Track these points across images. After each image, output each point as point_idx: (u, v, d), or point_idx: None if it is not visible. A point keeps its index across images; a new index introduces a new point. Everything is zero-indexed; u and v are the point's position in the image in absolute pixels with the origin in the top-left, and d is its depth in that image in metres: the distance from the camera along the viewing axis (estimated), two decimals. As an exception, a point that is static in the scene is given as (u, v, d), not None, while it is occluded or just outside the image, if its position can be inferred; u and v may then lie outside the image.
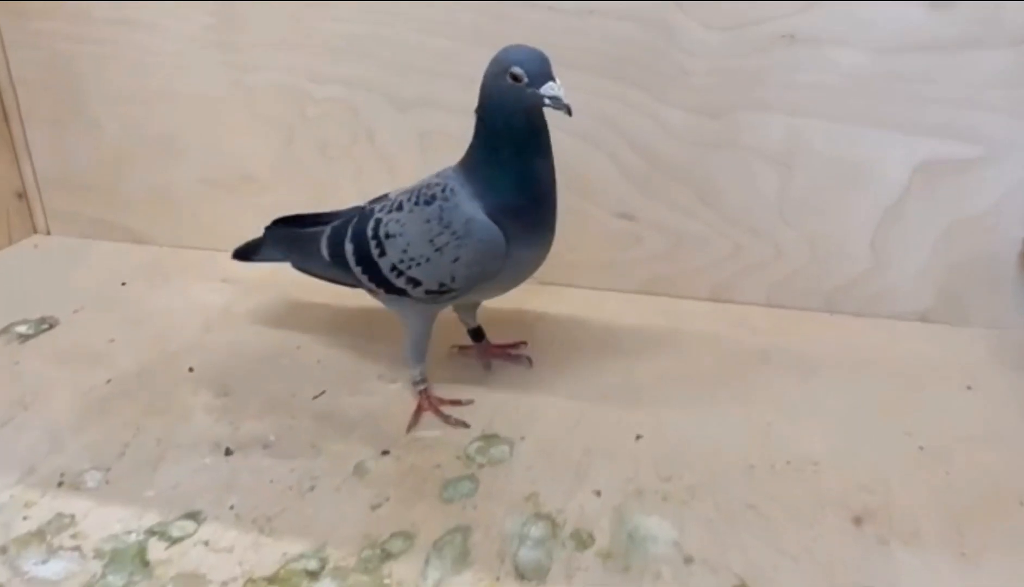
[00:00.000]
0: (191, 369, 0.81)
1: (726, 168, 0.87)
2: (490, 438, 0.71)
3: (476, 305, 0.81)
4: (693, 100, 0.85)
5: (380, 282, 0.73)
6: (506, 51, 0.67)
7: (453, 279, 0.69)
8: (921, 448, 0.69)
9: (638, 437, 0.70)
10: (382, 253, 0.71)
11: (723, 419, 0.73)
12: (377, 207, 0.74)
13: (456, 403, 0.75)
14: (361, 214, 0.75)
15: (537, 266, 0.72)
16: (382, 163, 0.97)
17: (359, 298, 0.78)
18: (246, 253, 0.85)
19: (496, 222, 0.67)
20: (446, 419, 0.73)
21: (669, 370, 0.80)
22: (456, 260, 0.68)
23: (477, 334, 0.82)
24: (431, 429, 0.72)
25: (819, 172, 0.85)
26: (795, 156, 0.85)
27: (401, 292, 0.72)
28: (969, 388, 0.77)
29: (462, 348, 0.83)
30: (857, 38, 0.79)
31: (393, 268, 0.71)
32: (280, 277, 0.92)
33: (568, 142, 0.87)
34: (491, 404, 0.75)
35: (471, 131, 0.69)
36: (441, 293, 0.71)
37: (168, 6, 0.96)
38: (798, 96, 0.82)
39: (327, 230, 0.77)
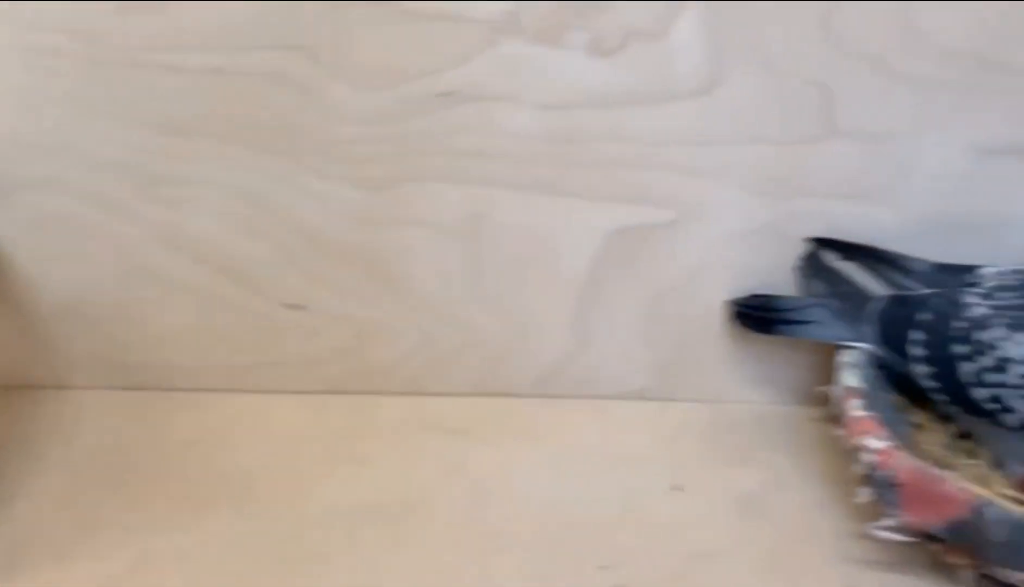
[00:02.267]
0: None
1: (401, 247, 0.74)
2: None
3: None
4: (351, 171, 0.71)
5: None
6: None
7: None
8: (613, 592, 0.58)
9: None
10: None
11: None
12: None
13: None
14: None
15: None
16: None
17: None
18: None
19: None
20: None
21: (364, 500, 0.66)
22: None
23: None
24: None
25: (506, 247, 0.74)
26: (478, 231, 0.73)
27: None
28: (676, 489, 0.67)
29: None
30: (527, 94, 0.68)
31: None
32: None
33: (209, 223, 0.72)
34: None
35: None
36: None
37: None
38: (470, 162, 0.70)
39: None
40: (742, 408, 0.76)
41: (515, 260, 0.74)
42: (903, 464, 0.56)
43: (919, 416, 0.65)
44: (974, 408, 0.59)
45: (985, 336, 0.57)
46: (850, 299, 0.67)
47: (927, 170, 0.69)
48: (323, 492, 0.67)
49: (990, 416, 0.58)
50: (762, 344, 0.75)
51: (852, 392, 0.63)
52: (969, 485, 0.53)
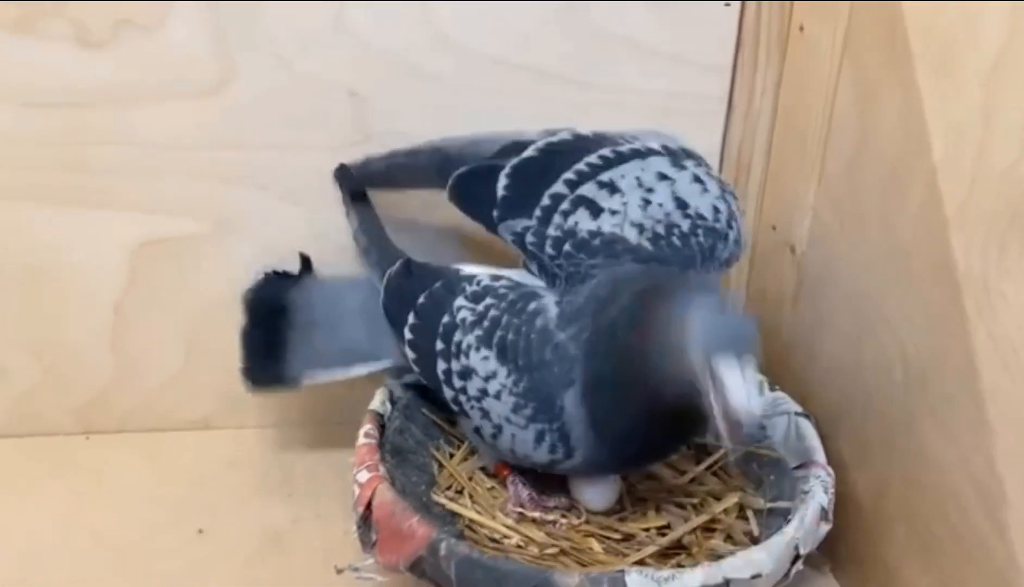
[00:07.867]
0: None
1: None
2: None
3: None
4: None
5: None
6: None
7: None
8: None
9: None
10: None
11: None
12: None
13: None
14: None
15: None
16: None
17: None
18: None
19: None
20: None
21: None
22: None
23: None
24: None
25: (14, 265, 0.64)
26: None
27: None
28: (202, 532, 0.61)
29: None
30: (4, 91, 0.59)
31: None
32: None
33: None
34: None
35: None
36: None
37: None
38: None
39: None
40: (302, 433, 0.71)
41: (30, 280, 0.65)
42: (382, 498, 0.51)
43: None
44: (444, 403, 0.57)
45: (460, 339, 0.54)
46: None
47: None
48: None
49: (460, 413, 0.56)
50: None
51: (369, 416, 0.59)
52: (428, 520, 0.49)
